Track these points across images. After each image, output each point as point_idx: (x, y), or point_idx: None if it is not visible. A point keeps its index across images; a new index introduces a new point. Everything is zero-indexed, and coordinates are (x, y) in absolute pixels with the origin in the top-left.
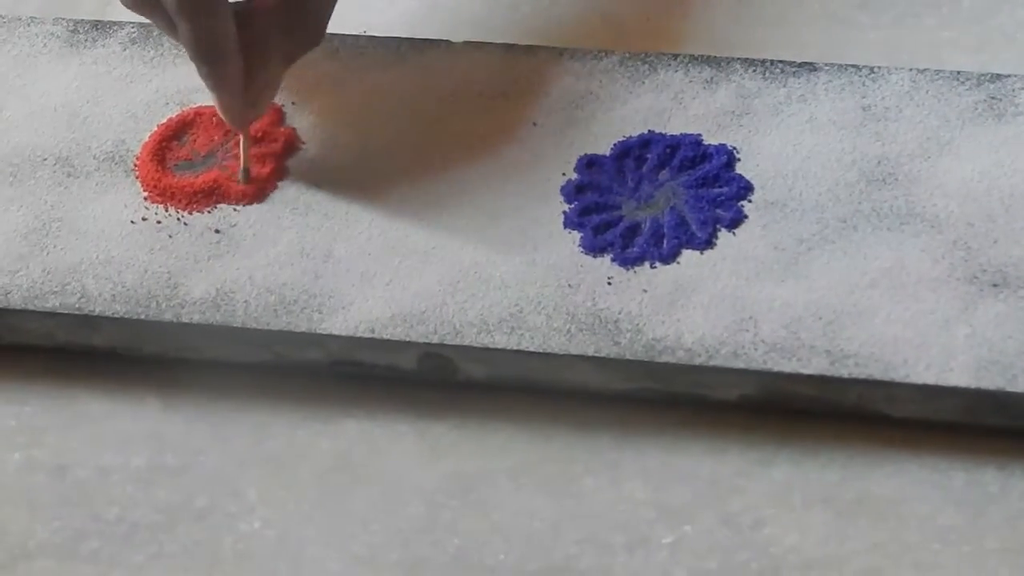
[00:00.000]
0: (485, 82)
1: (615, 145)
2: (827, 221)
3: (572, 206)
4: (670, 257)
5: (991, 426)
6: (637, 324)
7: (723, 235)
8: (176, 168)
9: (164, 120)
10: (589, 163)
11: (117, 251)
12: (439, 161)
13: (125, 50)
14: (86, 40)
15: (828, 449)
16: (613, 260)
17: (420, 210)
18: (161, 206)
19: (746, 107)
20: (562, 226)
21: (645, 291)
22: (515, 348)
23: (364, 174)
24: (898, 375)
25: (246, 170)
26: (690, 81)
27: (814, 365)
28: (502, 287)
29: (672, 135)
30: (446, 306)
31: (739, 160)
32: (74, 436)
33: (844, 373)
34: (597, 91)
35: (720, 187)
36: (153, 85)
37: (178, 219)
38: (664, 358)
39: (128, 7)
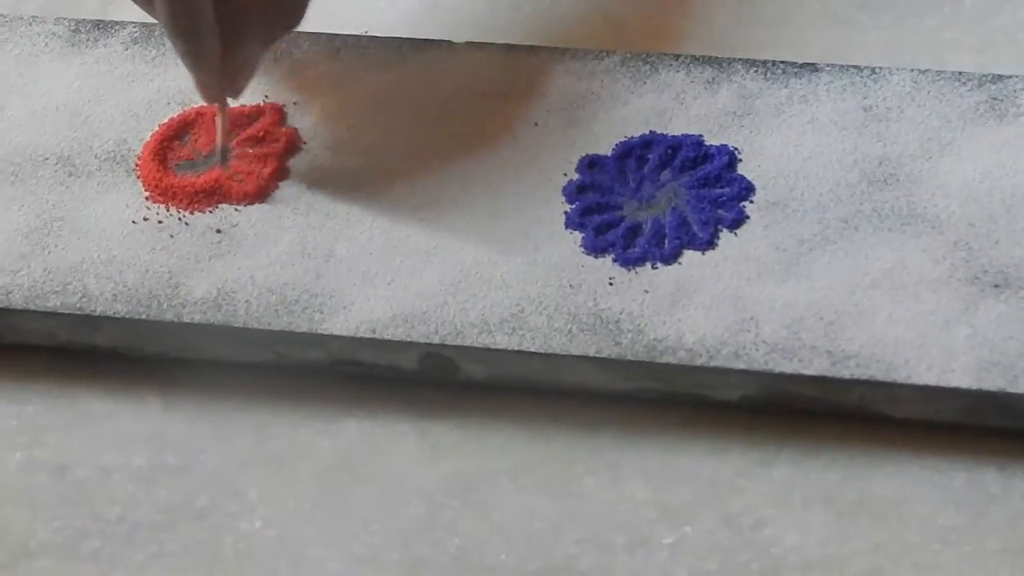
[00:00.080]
0: (487, 82)
1: (617, 145)
2: (828, 222)
3: (573, 206)
4: (671, 257)
5: (992, 427)
6: (638, 324)
7: (724, 235)
8: (178, 168)
9: (166, 120)
10: (591, 163)
11: (118, 251)
12: (441, 161)
13: (127, 50)
14: (88, 39)
15: (829, 449)
16: (614, 260)
17: (421, 210)
18: (162, 206)
19: (748, 107)
20: (563, 226)
21: (646, 291)
22: (516, 348)
23: (366, 174)
24: (899, 376)
25: (224, 150)
26: (692, 81)
27: (815, 366)
28: (503, 287)
29: (674, 135)
30: (447, 306)
31: (740, 160)
32: (75, 436)
33: (845, 374)
34: (599, 91)
35: (721, 187)
36: (155, 85)
37: (179, 219)
38: (665, 358)
39: None
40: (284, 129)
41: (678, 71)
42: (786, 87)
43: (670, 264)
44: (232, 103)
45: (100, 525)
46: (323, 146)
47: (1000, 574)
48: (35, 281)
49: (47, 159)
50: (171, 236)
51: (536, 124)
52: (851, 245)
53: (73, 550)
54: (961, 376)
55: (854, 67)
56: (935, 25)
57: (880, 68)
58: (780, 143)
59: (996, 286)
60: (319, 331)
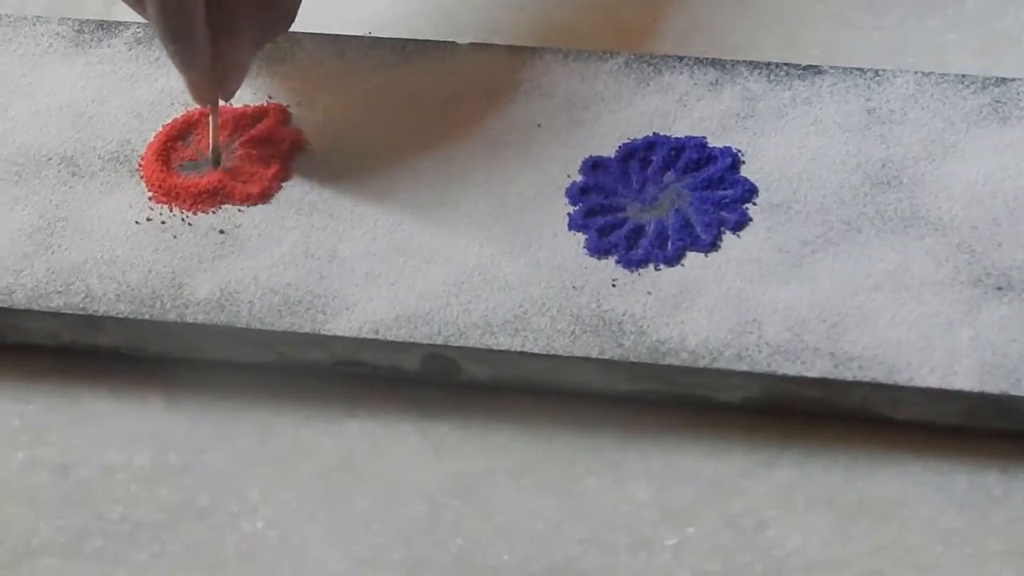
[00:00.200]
0: (490, 83)
1: (620, 147)
2: (831, 223)
3: (576, 208)
4: (674, 259)
5: (994, 429)
6: (641, 326)
7: (727, 237)
8: (181, 168)
9: (169, 120)
10: (594, 165)
11: (121, 251)
12: (443, 162)
13: (131, 50)
14: (91, 40)
15: (831, 451)
16: (617, 262)
17: (424, 211)
18: (166, 206)
19: (751, 109)
20: (566, 228)
21: (649, 293)
22: (519, 349)
23: (369, 175)
24: (902, 378)
25: (215, 151)
26: (695, 83)
27: (818, 368)
28: (506, 288)
29: (677, 137)
30: (450, 307)
31: (744, 162)
32: (78, 435)
33: (848, 376)
34: (602, 93)
35: (725, 189)
36: (158, 85)
37: (183, 219)
38: (668, 360)
39: None
40: (288, 130)
41: (682, 73)
42: (789, 89)
43: (673, 266)
44: (228, 104)
45: (102, 524)
46: (326, 147)
47: None
48: (38, 281)
49: (51, 159)
50: (174, 236)
51: (539, 125)
52: (854, 247)
53: (75, 549)
54: (964, 378)
55: (857, 69)
56: (938, 27)
57: (883, 70)
58: (783, 145)
59: (999, 289)
60: (322, 332)
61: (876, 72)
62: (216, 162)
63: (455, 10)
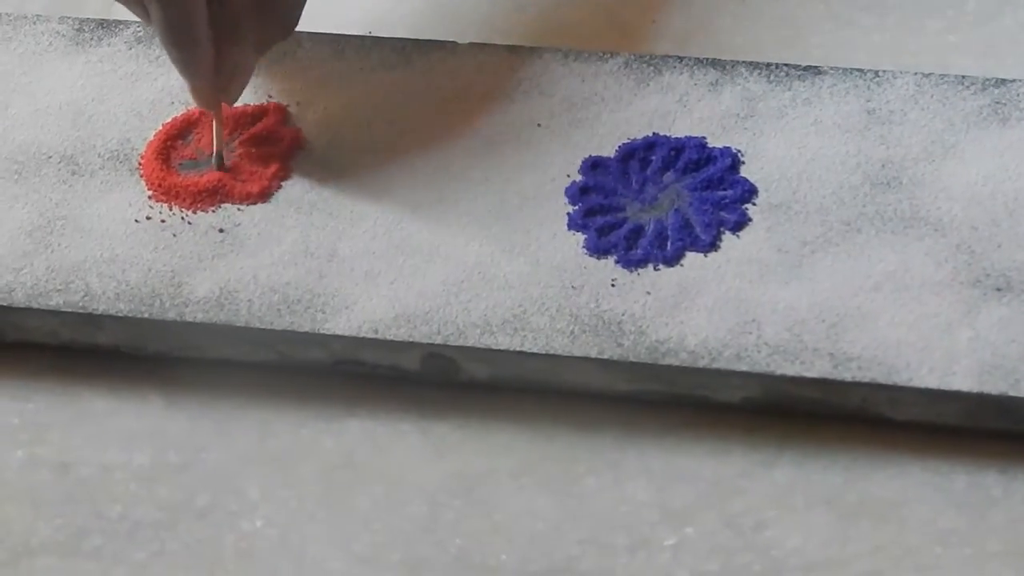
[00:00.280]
0: (490, 83)
1: (620, 147)
2: (831, 224)
3: (576, 208)
4: (674, 259)
5: (993, 430)
6: (640, 326)
7: (727, 237)
8: (181, 167)
9: (169, 119)
10: (593, 165)
11: (121, 249)
12: (443, 162)
13: (131, 49)
14: (92, 38)
15: (830, 451)
16: (617, 262)
17: (424, 210)
18: (165, 205)
19: (751, 110)
20: (566, 227)
21: (648, 293)
22: (518, 349)
23: (369, 174)
24: (901, 379)
25: (219, 155)
26: (695, 84)
27: (817, 368)
28: (506, 288)
29: (677, 137)
30: (449, 306)
31: (743, 163)
32: (77, 434)
33: (847, 376)
34: (602, 93)
35: (724, 189)
36: (158, 84)
37: (182, 218)
38: (667, 360)
39: None
40: (287, 129)
41: (681, 73)
42: (789, 90)
43: (672, 266)
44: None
45: (102, 523)
46: (326, 146)
47: None
48: (38, 279)
49: (50, 157)
50: (174, 235)
51: (539, 125)
52: (853, 247)
53: (75, 548)
54: (963, 379)
55: (857, 70)
56: (939, 28)
57: (883, 71)
58: (783, 145)
59: (998, 289)
60: (321, 331)
61: (876, 73)
62: (219, 166)
63: (455, 10)
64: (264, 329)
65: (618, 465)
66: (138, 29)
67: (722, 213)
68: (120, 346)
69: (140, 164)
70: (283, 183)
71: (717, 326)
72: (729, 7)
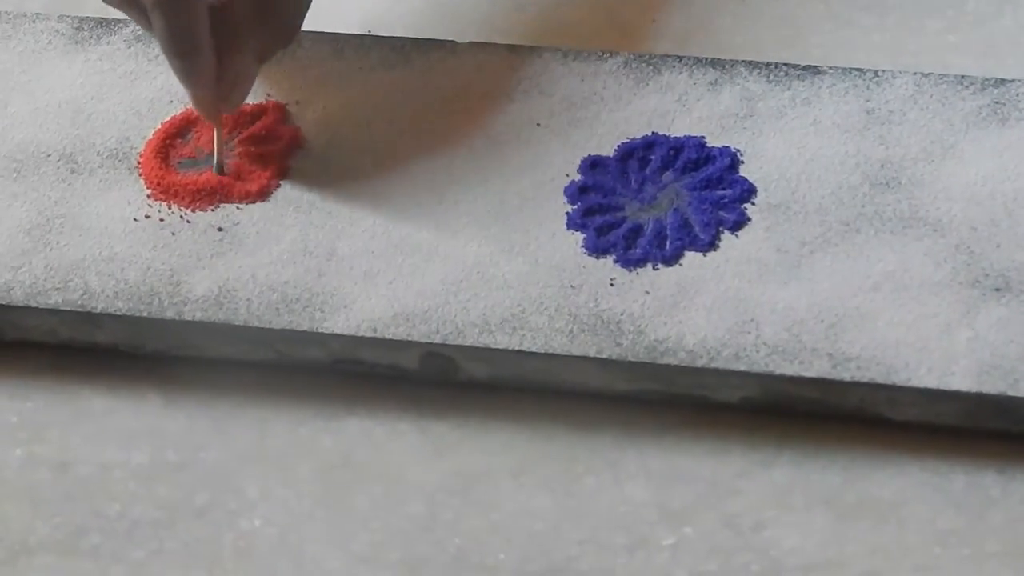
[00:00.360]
0: (489, 83)
1: (619, 146)
2: (830, 224)
3: (575, 207)
4: (673, 259)
5: (992, 430)
6: (639, 325)
7: (726, 237)
8: (180, 166)
9: (168, 118)
10: (593, 164)
11: (120, 248)
12: (443, 161)
13: (130, 47)
14: (91, 37)
15: (829, 451)
16: (616, 261)
17: (423, 209)
18: (164, 203)
19: (750, 109)
20: (565, 227)
21: (647, 292)
22: (517, 348)
23: (368, 173)
24: (900, 379)
25: (220, 163)
26: (694, 83)
27: (816, 368)
28: (504, 287)
29: (676, 137)
30: (448, 306)
31: (743, 162)
32: (76, 432)
33: (846, 376)
34: (601, 92)
35: (723, 189)
36: (158, 83)
37: (181, 217)
38: (666, 359)
39: (105, 1)
40: (286, 128)
41: (681, 73)
42: (789, 89)
43: (671, 265)
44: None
45: (100, 522)
46: (325, 145)
47: None
48: (36, 278)
49: (49, 156)
50: (172, 234)
51: (538, 125)
52: (852, 248)
53: (73, 546)
54: (961, 379)
55: (857, 70)
56: (938, 28)
57: (883, 71)
58: (782, 145)
59: (997, 290)
60: (320, 330)
61: (875, 73)
62: (220, 171)
63: (455, 9)
64: (263, 328)
65: (617, 465)
66: (137, 28)
67: (721, 213)
68: (119, 345)
69: (139, 163)
70: (282, 182)
71: (716, 326)
72: (729, 7)
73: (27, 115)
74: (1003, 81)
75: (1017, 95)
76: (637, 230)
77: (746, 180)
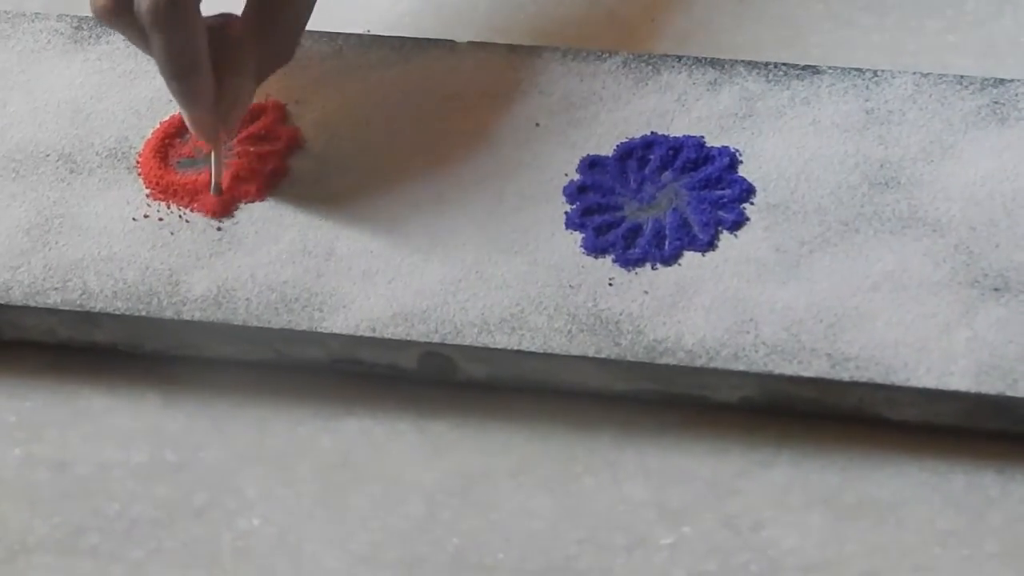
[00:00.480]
0: (488, 82)
1: (618, 146)
2: (829, 224)
3: (574, 207)
4: (672, 258)
5: (991, 430)
6: (638, 325)
7: (725, 237)
8: (179, 165)
9: (167, 117)
10: (592, 164)
11: (119, 248)
12: (442, 160)
13: (129, 47)
14: (90, 36)
15: (828, 451)
16: (615, 261)
17: (422, 209)
18: (163, 203)
19: (749, 109)
20: (564, 226)
21: (646, 292)
22: (516, 348)
23: (367, 173)
24: (899, 379)
25: (218, 184)
26: (693, 83)
27: (815, 368)
28: (503, 287)
29: (675, 137)
30: (447, 305)
31: (742, 162)
32: (75, 432)
33: (845, 376)
34: (600, 92)
35: (722, 189)
36: (157, 82)
37: (180, 216)
38: (665, 359)
39: (102, 21)
40: (285, 127)
41: (680, 72)
42: (788, 89)
43: (670, 265)
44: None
45: (99, 521)
46: (324, 144)
47: None
48: (35, 277)
49: (48, 156)
50: (171, 233)
51: (538, 124)
52: (852, 247)
53: (72, 546)
54: (960, 379)
55: (856, 69)
56: (938, 28)
57: (882, 71)
58: (781, 145)
59: (996, 290)
60: (319, 329)
61: (875, 72)
62: (219, 192)
63: (454, 8)
64: (262, 328)
65: (616, 464)
66: None
67: (720, 212)
68: (118, 344)
69: (138, 162)
70: (281, 181)
71: (715, 325)
72: (729, 7)
73: (26, 114)
74: (1002, 81)
75: (1016, 95)
76: (636, 230)
77: (745, 180)
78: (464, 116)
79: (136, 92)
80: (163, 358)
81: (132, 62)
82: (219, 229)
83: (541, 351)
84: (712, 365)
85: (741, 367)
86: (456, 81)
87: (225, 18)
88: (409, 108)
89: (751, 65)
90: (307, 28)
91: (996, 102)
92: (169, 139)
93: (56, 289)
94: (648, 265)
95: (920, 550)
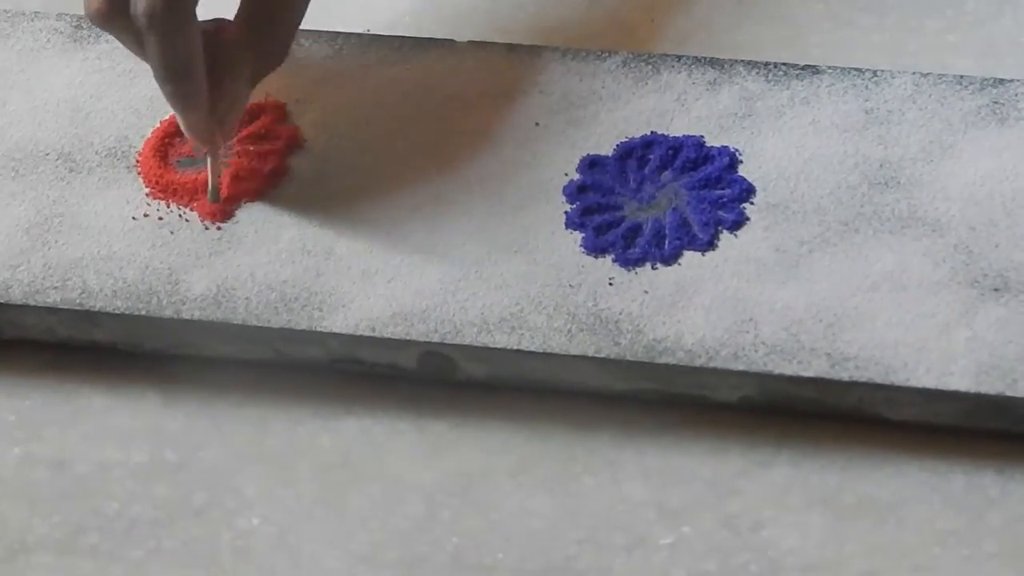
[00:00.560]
0: (488, 82)
1: (618, 146)
2: (829, 224)
3: (574, 206)
4: (671, 258)
5: (991, 430)
6: (638, 325)
7: (725, 237)
8: (178, 164)
9: (167, 116)
10: (591, 163)
11: (118, 247)
12: (441, 160)
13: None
14: (90, 36)
15: (828, 451)
16: (614, 261)
17: (422, 209)
18: (163, 202)
19: (749, 109)
20: (564, 226)
21: (646, 292)
22: (515, 348)
23: (366, 172)
24: (898, 379)
25: (215, 189)
26: (693, 83)
27: (814, 367)
28: (503, 286)
29: (675, 136)
30: (447, 305)
31: (741, 162)
32: (74, 431)
33: (844, 376)
34: (600, 91)
35: (722, 189)
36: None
37: (179, 215)
38: (664, 359)
39: (96, 24)
40: (285, 127)
41: (680, 72)
42: (787, 89)
43: (670, 265)
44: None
45: (98, 521)
46: (324, 144)
47: None
48: (35, 276)
49: (48, 155)
50: (171, 233)
51: (537, 124)
52: (851, 247)
53: (71, 545)
54: (960, 379)
55: (856, 69)
56: (937, 28)
57: (882, 71)
58: (781, 145)
59: (996, 290)
60: (319, 329)
61: (874, 72)
62: (215, 197)
63: (454, 8)
64: (261, 327)
65: (615, 464)
66: None
67: (720, 212)
68: (117, 343)
69: (138, 161)
70: (281, 181)
71: (714, 325)
72: (729, 7)
73: (25, 114)
74: (1002, 81)
75: (1016, 95)
76: (636, 229)
77: (745, 180)
78: (464, 116)
79: (136, 91)
80: (163, 357)
81: (132, 61)
82: (219, 228)
83: (541, 351)
84: (712, 365)
85: (741, 367)
86: (456, 81)
87: (218, 23)
88: (409, 108)
89: (751, 65)
90: (308, 28)
91: (996, 102)
92: (169, 138)
93: (56, 288)
94: (648, 265)
95: (920, 550)
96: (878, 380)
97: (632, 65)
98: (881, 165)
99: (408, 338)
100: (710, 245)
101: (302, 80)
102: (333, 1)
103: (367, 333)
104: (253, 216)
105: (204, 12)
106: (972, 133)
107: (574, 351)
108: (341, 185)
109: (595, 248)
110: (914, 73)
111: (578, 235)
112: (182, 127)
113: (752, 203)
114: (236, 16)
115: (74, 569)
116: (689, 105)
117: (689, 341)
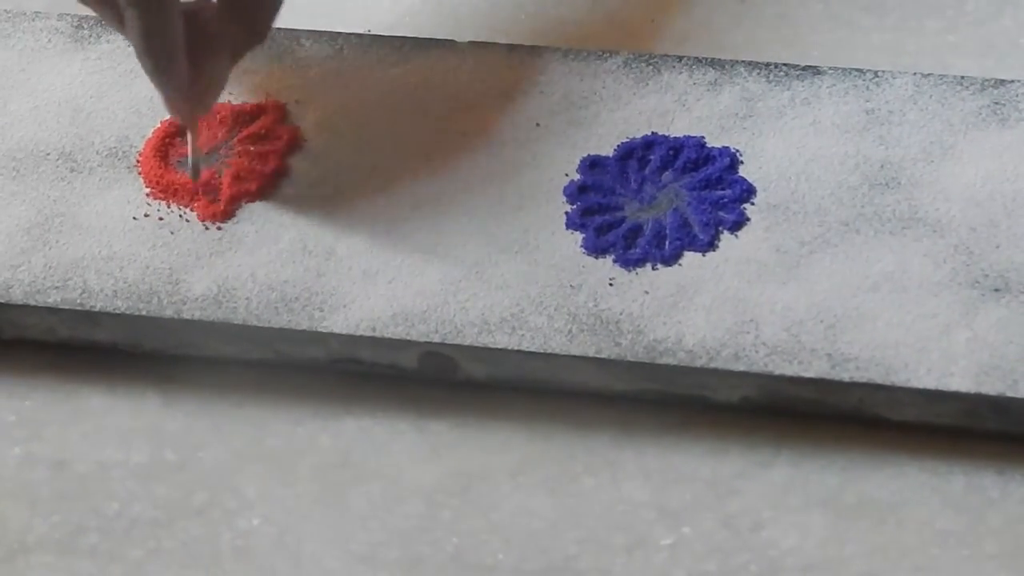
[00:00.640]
0: (489, 82)
1: (618, 146)
2: (829, 224)
3: (574, 207)
4: (672, 259)
5: (991, 431)
6: (638, 325)
7: (725, 237)
8: (179, 165)
9: (167, 116)
10: (592, 164)
11: (119, 247)
12: (442, 160)
13: (129, 46)
14: (90, 36)
15: (828, 452)
16: (615, 261)
17: (422, 209)
18: (163, 202)
19: (749, 110)
20: (564, 226)
21: (647, 292)
22: (516, 348)
23: (367, 172)
24: (899, 379)
25: (195, 166)
26: (694, 83)
27: (815, 368)
28: (503, 287)
29: (675, 137)
30: (447, 305)
31: (742, 162)
32: (74, 431)
33: (845, 377)
34: (601, 92)
35: (723, 189)
36: None
37: (180, 216)
38: (665, 360)
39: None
40: (285, 127)
41: (680, 72)
42: (788, 89)
43: (670, 265)
44: (227, 101)
45: (98, 521)
46: (324, 144)
47: None
48: (35, 276)
49: (49, 155)
50: (172, 233)
51: (538, 124)
52: (852, 248)
53: (71, 545)
54: (960, 380)
55: (856, 70)
56: (938, 28)
57: (882, 71)
58: (782, 145)
59: (996, 290)
60: (319, 329)
61: (875, 73)
62: (195, 175)
63: (454, 8)
64: (262, 327)
65: (615, 464)
66: None
67: (720, 213)
68: (118, 343)
69: (138, 161)
70: (281, 181)
71: (715, 326)
72: (729, 7)
73: (26, 113)
74: (1003, 82)
75: (1017, 96)
76: (636, 230)
77: (745, 180)
78: (464, 116)
79: (137, 91)
80: (163, 357)
81: (132, 61)
82: (219, 228)
83: (541, 351)
84: (712, 365)
85: (741, 367)
86: (456, 81)
87: (199, 1)
88: (409, 108)
89: (751, 65)
90: (308, 28)
91: (996, 103)
92: (170, 138)
93: (56, 288)
94: (648, 265)
95: (920, 550)
96: (879, 381)
97: (633, 65)
98: (882, 166)
99: (409, 338)
100: (711, 246)
101: (302, 80)
102: (334, 1)
103: (367, 333)
104: (253, 216)
105: None
106: (973, 134)
107: (575, 351)
108: (341, 185)
109: (596, 248)
110: (915, 74)
111: (579, 235)
112: (163, 103)
113: (753, 204)
114: None
115: (74, 569)
116: (690, 105)
117: (690, 342)
